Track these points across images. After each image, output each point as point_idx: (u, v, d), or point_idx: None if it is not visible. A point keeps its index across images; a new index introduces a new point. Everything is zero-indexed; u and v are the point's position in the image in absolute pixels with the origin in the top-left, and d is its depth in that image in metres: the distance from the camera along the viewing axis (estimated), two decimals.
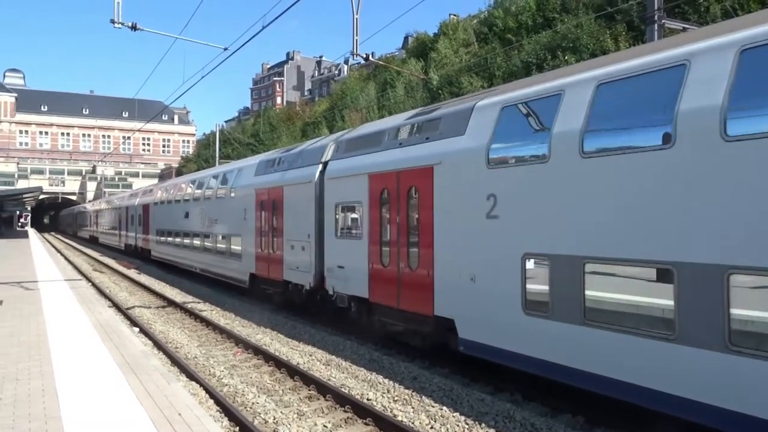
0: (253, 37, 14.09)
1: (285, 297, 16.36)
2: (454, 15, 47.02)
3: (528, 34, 32.50)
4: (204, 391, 9.55)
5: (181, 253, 26.37)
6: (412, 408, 8.59)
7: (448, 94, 32.74)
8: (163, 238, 29.77)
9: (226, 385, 10.06)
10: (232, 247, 19.76)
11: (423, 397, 8.99)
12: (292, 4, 11.82)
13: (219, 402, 8.99)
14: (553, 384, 8.22)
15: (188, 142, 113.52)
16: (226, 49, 17.09)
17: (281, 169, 16.56)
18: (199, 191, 23.78)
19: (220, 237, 21.01)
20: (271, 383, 10.28)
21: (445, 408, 8.46)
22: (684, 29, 14.26)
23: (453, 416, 8.16)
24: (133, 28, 18.61)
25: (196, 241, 23.79)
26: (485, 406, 8.43)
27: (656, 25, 14.22)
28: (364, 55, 17.87)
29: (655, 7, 14.27)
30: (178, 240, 26.82)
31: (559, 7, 32.30)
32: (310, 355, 11.89)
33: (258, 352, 12.23)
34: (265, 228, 17.09)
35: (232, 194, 19.92)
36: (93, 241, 59.90)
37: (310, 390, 9.69)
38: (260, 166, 18.42)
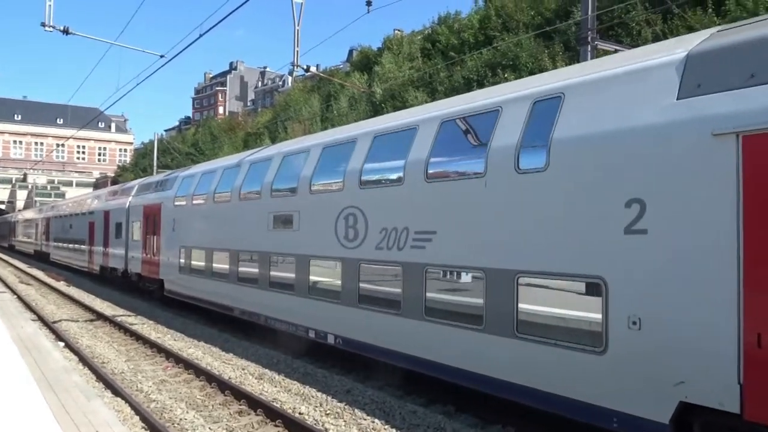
0: (191, 44, 13.88)
1: None
2: (399, 30, 47.57)
3: (470, 50, 33.15)
4: (129, 408, 9.22)
5: (266, 299, 13.49)
6: (344, 421, 8.49)
7: (391, 108, 32.98)
8: (202, 264, 16.79)
9: (154, 401, 9.71)
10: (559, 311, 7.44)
11: (356, 409, 8.89)
12: (230, 13, 11.71)
13: (145, 419, 8.68)
14: (486, 396, 8.26)
15: (126, 150, 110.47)
16: (162, 56, 16.76)
17: None
18: (337, 179, 11.26)
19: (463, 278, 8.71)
20: (201, 398, 10.00)
21: (377, 421, 8.39)
22: (616, 51, 14.81)
23: (385, 429, 8.11)
24: (65, 32, 18.07)
25: (330, 279, 11.43)
26: (417, 419, 8.42)
27: (589, 46, 14.72)
28: (305, 67, 17.82)
29: (588, 28, 14.81)
30: (257, 271, 13.85)
31: (500, 26, 33.11)
32: (243, 369, 11.62)
33: (189, 366, 11.88)
34: None
35: (544, 165, 7.39)
36: (41, 259, 45.39)
37: (240, 405, 9.47)
38: None
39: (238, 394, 9.82)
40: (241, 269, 14.63)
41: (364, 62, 45.73)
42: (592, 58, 14.21)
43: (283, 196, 13.02)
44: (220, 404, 9.63)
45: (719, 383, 5.54)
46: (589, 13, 14.17)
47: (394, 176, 9.88)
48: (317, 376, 10.91)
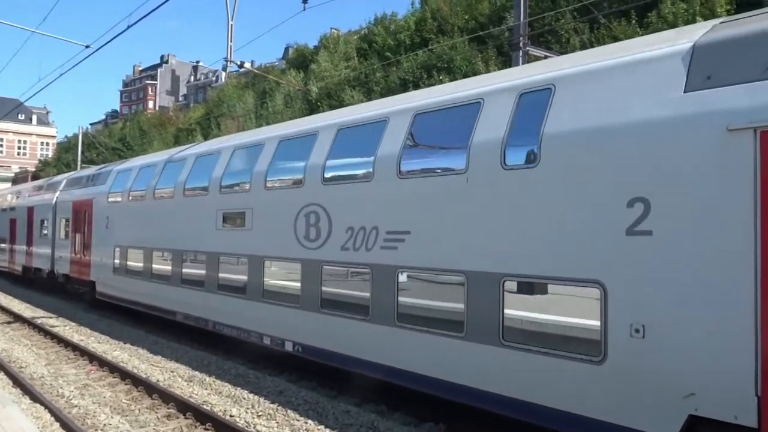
0: (118, 35, 13.38)
1: None
2: (335, 29, 47.46)
3: (406, 52, 33.42)
4: (49, 414, 8.81)
5: (214, 302, 12.52)
6: (277, 423, 8.40)
7: (327, 107, 32.84)
8: (140, 265, 15.55)
9: (76, 406, 9.33)
10: None
11: (288, 411, 8.81)
12: (161, 4, 11.35)
13: (66, 425, 8.32)
14: (418, 394, 8.34)
15: (48, 144, 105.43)
16: (88, 46, 16.11)
17: None
18: (296, 174, 10.56)
19: None
20: (126, 402, 9.66)
21: (310, 421, 8.34)
22: (545, 57, 15.24)
23: (318, 429, 8.08)
24: None
25: (289, 282, 10.67)
26: (350, 418, 8.42)
27: (521, 51, 15.12)
28: (239, 62, 17.52)
29: (520, 35, 15.21)
30: (204, 273, 12.86)
31: (435, 29, 33.54)
32: (172, 372, 11.31)
33: (114, 369, 11.47)
34: None
35: None
36: None
37: (169, 408, 9.21)
38: None
39: (167, 397, 9.55)
40: (185, 270, 13.59)
41: (300, 60, 45.35)
42: (523, 63, 14.56)
43: (234, 192, 12.10)
44: (147, 408, 9.34)
45: (734, 395, 5.08)
46: (521, 19, 14.55)
47: (361, 172, 9.17)
48: (249, 378, 10.75)
